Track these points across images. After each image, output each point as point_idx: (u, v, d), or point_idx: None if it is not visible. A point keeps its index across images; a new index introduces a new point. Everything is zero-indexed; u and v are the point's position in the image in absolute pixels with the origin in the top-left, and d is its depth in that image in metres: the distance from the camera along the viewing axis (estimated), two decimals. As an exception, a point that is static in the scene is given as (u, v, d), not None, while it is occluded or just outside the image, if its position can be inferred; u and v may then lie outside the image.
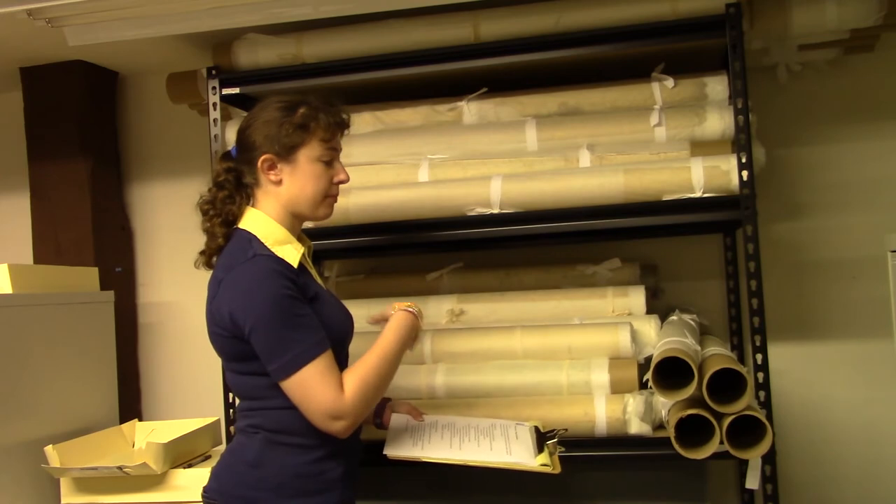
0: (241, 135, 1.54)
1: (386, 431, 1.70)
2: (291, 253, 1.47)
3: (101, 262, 2.54)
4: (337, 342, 1.48)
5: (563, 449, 1.64)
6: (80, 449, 2.07)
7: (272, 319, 1.37)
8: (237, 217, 1.53)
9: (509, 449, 1.61)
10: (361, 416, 1.43)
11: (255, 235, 1.48)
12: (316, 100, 1.53)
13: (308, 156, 1.50)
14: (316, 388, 1.37)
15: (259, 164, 1.49)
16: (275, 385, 1.41)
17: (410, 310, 1.60)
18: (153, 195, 2.74)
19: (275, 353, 1.38)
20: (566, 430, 1.70)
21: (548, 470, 1.57)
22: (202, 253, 1.55)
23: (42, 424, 2.14)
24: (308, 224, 1.68)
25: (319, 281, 1.58)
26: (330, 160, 1.53)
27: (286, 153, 1.49)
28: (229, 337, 1.43)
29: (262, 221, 1.50)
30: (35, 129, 2.61)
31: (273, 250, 1.45)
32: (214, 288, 1.46)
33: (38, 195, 2.60)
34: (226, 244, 1.52)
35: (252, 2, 1.88)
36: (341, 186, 1.58)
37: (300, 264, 1.48)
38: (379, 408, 1.73)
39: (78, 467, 1.99)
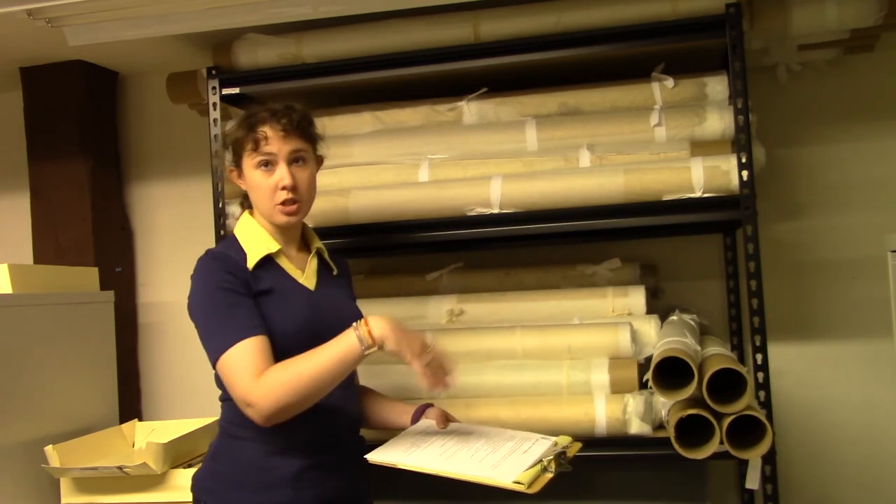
0: None
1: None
2: (256, 249, 1.51)
3: (101, 262, 2.54)
4: (283, 335, 1.43)
5: (569, 467, 1.46)
6: (80, 449, 2.07)
7: (206, 309, 1.43)
8: None
9: (497, 463, 1.43)
10: (272, 409, 1.33)
11: (234, 235, 1.55)
12: (272, 104, 1.53)
13: (248, 166, 1.53)
14: (235, 374, 1.36)
15: (227, 174, 1.59)
16: None
17: (364, 341, 1.37)
18: (153, 195, 2.74)
19: (205, 340, 1.42)
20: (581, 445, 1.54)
21: (520, 489, 1.34)
22: None
23: (42, 424, 2.14)
24: (306, 224, 1.68)
25: (302, 279, 1.54)
26: (268, 167, 1.50)
27: (237, 164, 1.56)
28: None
29: (244, 223, 1.57)
30: (35, 129, 2.61)
31: (243, 245, 1.51)
32: None
33: (38, 195, 2.60)
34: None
35: (252, 2, 1.88)
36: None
37: (269, 260, 1.50)
38: (418, 411, 1.64)
39: (78, 467, 1.99)
